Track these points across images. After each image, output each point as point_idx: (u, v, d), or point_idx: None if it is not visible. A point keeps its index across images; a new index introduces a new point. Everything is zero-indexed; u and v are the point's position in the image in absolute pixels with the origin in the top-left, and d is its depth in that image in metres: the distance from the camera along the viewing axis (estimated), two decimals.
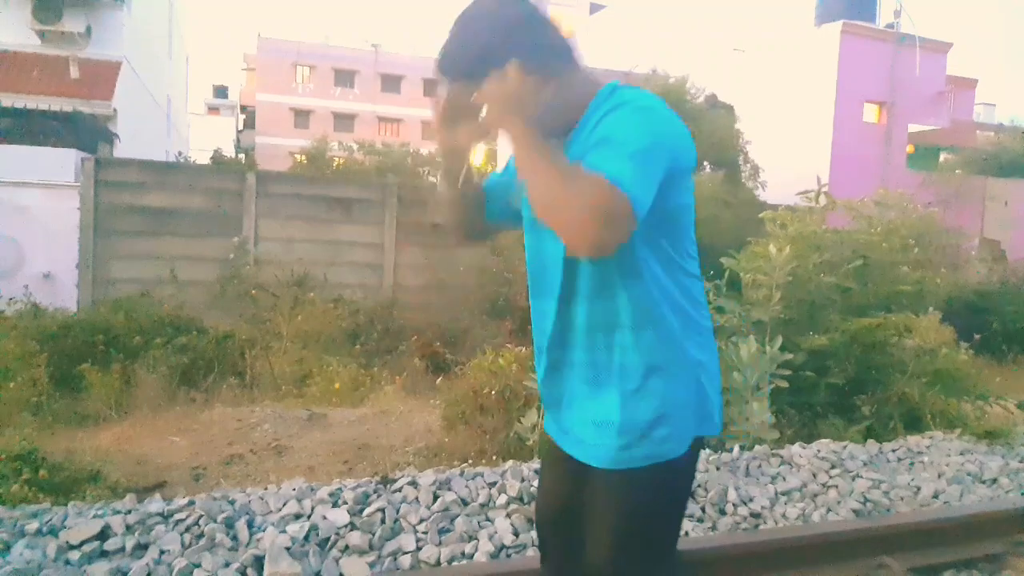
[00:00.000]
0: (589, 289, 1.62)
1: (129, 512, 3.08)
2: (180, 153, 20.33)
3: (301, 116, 41.84)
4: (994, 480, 4.30)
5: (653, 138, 1.44)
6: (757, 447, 4.39)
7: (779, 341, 4.90)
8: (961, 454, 4.70)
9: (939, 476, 4.29)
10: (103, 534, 2.90)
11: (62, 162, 11.15)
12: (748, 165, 12.89)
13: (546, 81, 1.58)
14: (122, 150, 16.02)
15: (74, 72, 15.74)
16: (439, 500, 3.35)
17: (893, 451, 4.66)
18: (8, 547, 2.82)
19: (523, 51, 1.54)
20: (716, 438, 4.76)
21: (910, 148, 23.13)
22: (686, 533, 3.35)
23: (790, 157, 17.71)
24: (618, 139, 1.42)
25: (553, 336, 1.72)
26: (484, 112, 1.56)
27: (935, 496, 4.00)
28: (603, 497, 1.68)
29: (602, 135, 1.47)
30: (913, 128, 22.51)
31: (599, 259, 1.48)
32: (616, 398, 1.61)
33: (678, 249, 1.63)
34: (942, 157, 25.92)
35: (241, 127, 46.69)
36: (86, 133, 15.15)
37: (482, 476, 3.65)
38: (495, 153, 24.01)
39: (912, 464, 4.50)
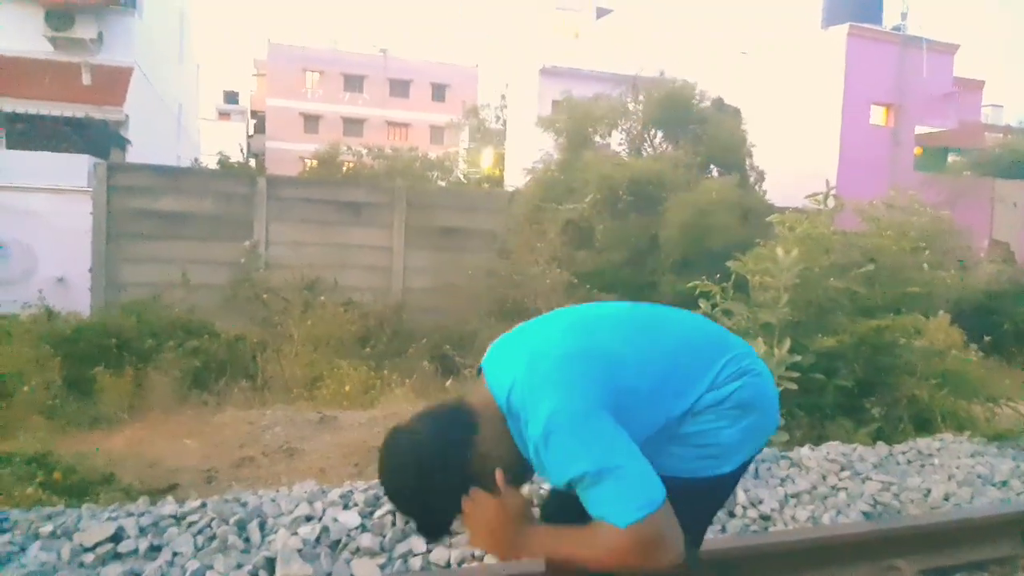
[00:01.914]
0: None
1: (142, 514, 3.11)
2: (196, 160, 20.43)
3: (311, 121, 41.96)
4: (1004, 482, 4.29)
5: (586, 443, 1.46)
6: (766, 450, 4.39)
7: (787, 343, 4.90)
8: (971, 456, 4.69)
9: (949, 478, 4.28)
10: (117, 536, 2.93)
11: (74, 167, 11.25)
12: (755, 170, 12.87)
13: (479, 472, 1.59)
14: (134, 155, 16.13)
15: (86, 78, 15.87)
16: None
17: (903, 453, 4.64)
18: (23, 549, 2.85)
19: (455, 477, 1.57)
20: None
21: (918, 150, 23.03)
22: None
23: (797, 160, 17.65)
24: (577, 478, 1.45)
25: None
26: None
27: (945, 498, 3.99)
28: None
29: (564, 482, 1.49)
30: (921, 130, 22.41)
31: None
32: None
33: (673, 419, 1.65)
34: (950, 159, 25.79)
35: (251, 132, 46.86)
36: (98, 138, 15.27)
37: None
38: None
39: (922, 466, 4.49)
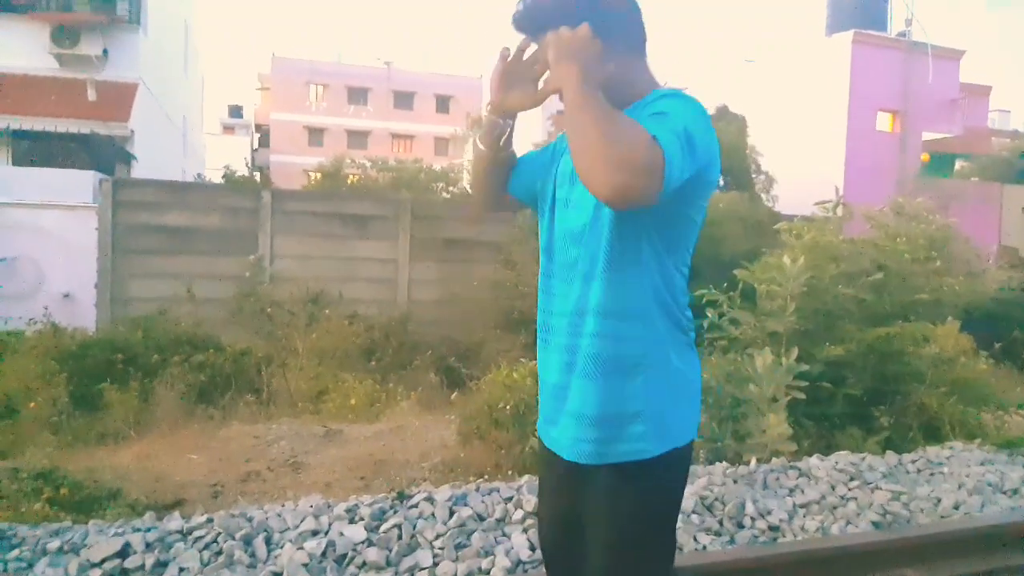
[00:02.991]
0: (585, 271, 1.64)
1: (149, 530, 3.11)
2: (198, 175, 20.53)
3: (315, 134, 42.13)
4: (1015, 491, 4.26)
5: (699, 133, 1.48)
6: (774, 459, 4.37)
7: (795, 352, 4.88)
8: (981, 464, 4.65)
9: (959, 487, 4.24)
10: (123, 552, 2.93)
11: (80, 183, 11.29)
12: (761, 176, 12.87)
13: (610, 56, 1.60)
14: (139, 170, 16.21)
15: (91, 95, 15.97)
16: (455, 515, 3.35)
17: (912, 462, 4.61)
18: (31, 565, 2.85)
19: (600, 19, 1.56)
20: (733, 451, 4.74)
21: (925, 156, 23.00)
22: (704, 547, 3.34)
23: (804, 167, 17.66)
24: (670, 117, 1.46)
25: (551, 317, 1.75)
26: (548, 57, 1.55)
27: (956, 507, 3.96)
28: (594, 499, 1.69)
29: (655, 111, 1.51)
30: (927, 136, 22.40)
31: (610, 229, 1.57)
32: (590, 389, 1.64)
33: (675, 258, 1.66)
34: (957, 164, 25.75)
35: (256, 146, 47.07)
36: (104, 154, 15.35)
37: (498, 491, 3.65)
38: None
39: (932, 475, 4.46)
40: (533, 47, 1.67)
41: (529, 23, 1.66)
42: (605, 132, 1.37)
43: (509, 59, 1.69)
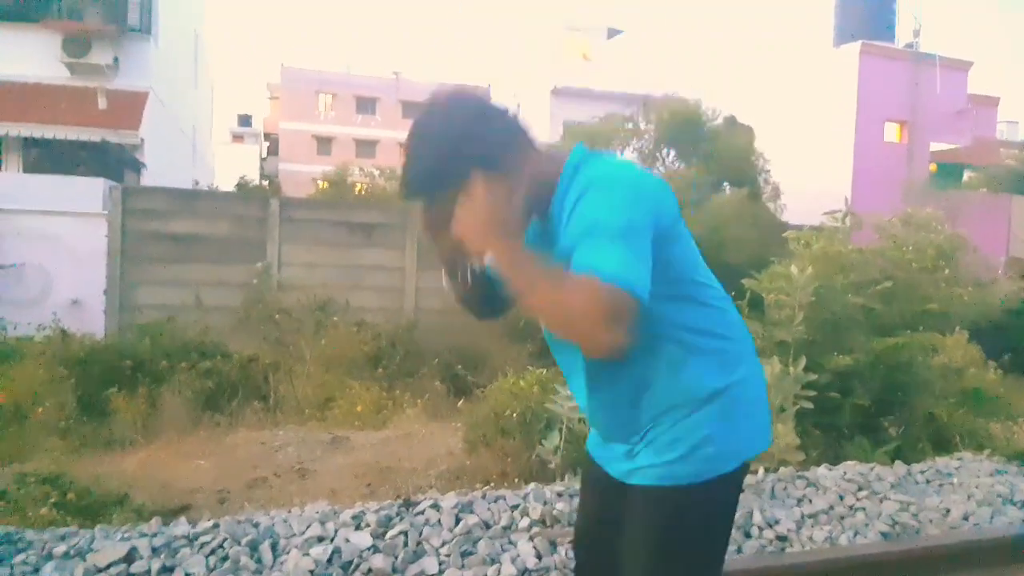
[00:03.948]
0: (608, 363, 1.61)
1: (155, 535, 3.11)
2: (202, 183, 20.62)
3: (324, 143, 42.32)
4: None
5: (630, 211, 1.43)
6: (782, 469, 4.34)
7: (803, 362, 4.86)
8: (991, 475, 4.62)
9: (969, 498, 4.22)
10: (129, 557, 2.93)
11: (90, 191, 11.38)
12: (769, 186, 12.87)
13: (512, 176, 1.55)
14: (149, 178, 16.30)
15: (102, 103, 16.07)
16: (461, 523, 3.34)
17: (921, 472, 4.58)
18: (37, 570, 2.85)
19: (481, 157, 1.51)
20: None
21: (932, 167, 22.95)
22: None
23: (811, 177, 17.64)
24: (598, 226, 1.41)
25: (581, 384, 1.75)
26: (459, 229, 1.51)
27: (965, 518, 3.93)
28: (638, 515, 1.68)
29: (582, 225, 1.44)
30: (936, 147, 22.36)
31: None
32: (633, 428, 1.67)
33: (687, 288, 1.65)
34: (965, 175, 25.68)
35: (265, 155, 47.30)
36: (113, 162, 15.45)
37: (504, 499, 3.64)
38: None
39: (941, 486, 4.43)
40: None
41: (418, 190, 1.62)
42: (558, 306, 1.36)
43: (424, 219, 1.65)
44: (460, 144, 1.52)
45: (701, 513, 1.65)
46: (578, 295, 1.32)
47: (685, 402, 1.61)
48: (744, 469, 1.71)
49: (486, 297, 1.82)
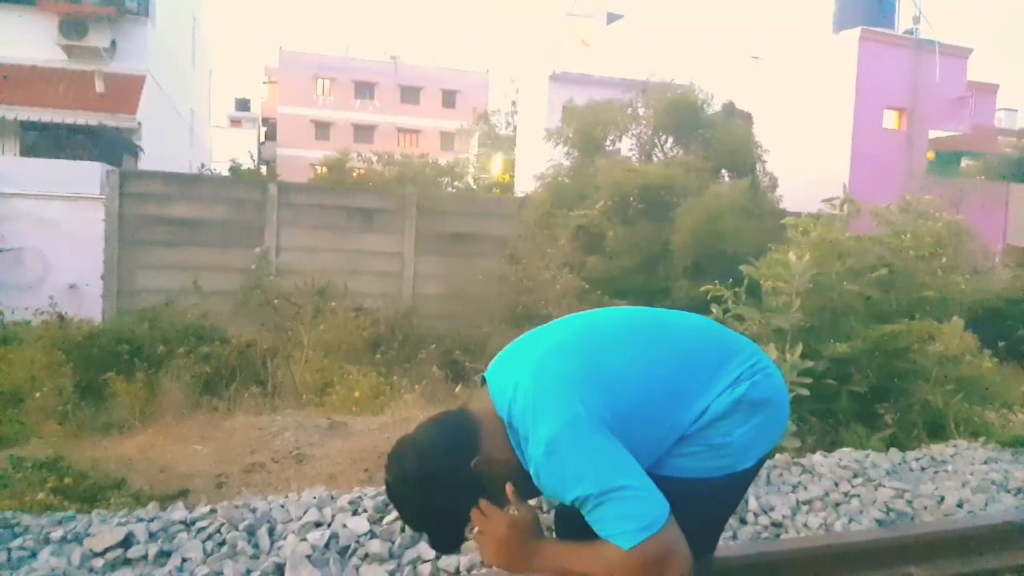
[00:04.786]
0: None
1: (152, 520, 3.11)
2: (202, 166, 20.56)
3: (322, 128, 42.17)
4: (1020, 489, 4.24)
5: (587, 462, 1.46)
6: (778, 456, 4.35)
7: (800, 349, 4.87)
8: (985, 463, 4.64)
9: (963, 485, 4.23)
10: (127, 541, 2.93)
11: (87, 175, 11.32)
12: (767, 175, 12.83)
13: (500, 477, 1.59)
14: (146, 162, 16.24)
15: (99, 86, 15.99)
16: None
17: (916, 460, 4.60)
18: (34, 554, 2.86)
19: (462, 488, 1.58)
20: None
21: (931, 154, 22.90)
22: None
23: (810, 164, 17.59)
24: (580, 498, 1.45)
25: None
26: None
27: (959, 505, 3.94)
28: None
29: (569, 501, 1.49)
30: (934, 134, 22.29)
31: None
32: None
33: (673, 424, 1.64)
34: (963, 163, 25.64)
35: (263, 139, 47.11)
36: (111, 146, 15.38)
37: None
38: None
39: (936, 473, 4.44)
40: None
41: (440, 548, 1.77)
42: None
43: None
44: (441, 502, 1.59)
45: (707, 504, 1.69)
46: (616, 568, 1.42)
47: (699, 427, 1.65)
48: (759, 464, 1.75)
49: None
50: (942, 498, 4.01)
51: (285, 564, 2.83)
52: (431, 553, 3.04)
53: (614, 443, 1.48)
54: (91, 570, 2.78)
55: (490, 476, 1.59)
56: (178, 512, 3.20)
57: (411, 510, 1.64)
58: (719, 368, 1.69)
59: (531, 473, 1.56)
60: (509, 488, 1.59)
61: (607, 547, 1.42)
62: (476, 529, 1.59)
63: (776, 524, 3.57)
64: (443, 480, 1.57)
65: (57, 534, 2.97)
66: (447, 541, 1.69)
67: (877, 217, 7.80)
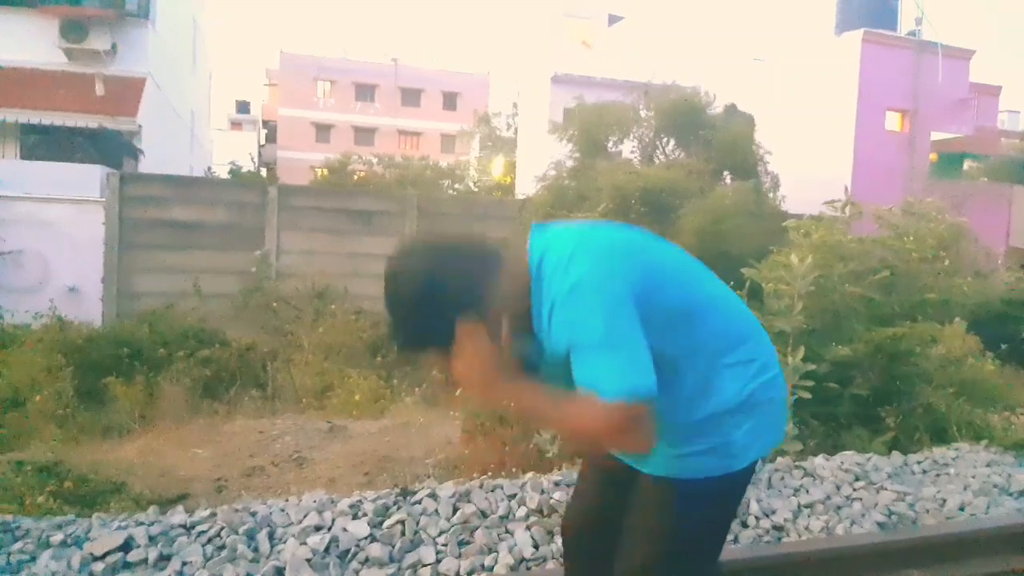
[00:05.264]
0: None
1: (152, 524, 3.11)
2: (209, 169, 20.54)
3: (322, 130, 42.17)
4: (1022, 492, 4.23)
5: (603, 316, 1.45)
6: (780, 459, 4.34)
7: (801, 351, 4.85)
8: (988, 466, 4.63)
9: (965, 488, 4.22)
10: (126, 545, 2.93)
11: (88, 178, 11.32)
12: (768, 176, 12.81)
13: (492, 306, 1.57)
14: (146, 165, 16.23)
15: (100, 89, 15.99)
16: (459, 512, 3.34)
17: (918, 463, 4.59)
18: (33, 558, 2.85)
19: (458, 303, 1.53)
20: None
21: (933, 156, 22.89)
22: None
23: (812, 166, 17.59)
24: (581, 343, 1.44)
25: None
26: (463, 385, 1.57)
27: (961, 508, 3.93)
28: (645, 503, 1.72)
29: (567, 341, 1.48)
30: (937, 136, 22.28)
31: None
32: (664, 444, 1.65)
33: (691, 317, 1.64)
34: (966, 165, 25.62)
35: (263, 142, 47.14)
36: (111, 149, 15.37)
37: (502, 488, 3.64)
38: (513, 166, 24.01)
39: (938, 476, 4.43)
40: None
41: (412, 352, 1.67)
42: (578, 430, 1.44)
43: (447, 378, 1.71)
44: (434, 302, 1.54)
45: (707, 505, 1.68)
46: (587, 418, 1.40)
47: (708, 415, 1.65)
48: (753, 466, 1.74)
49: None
50: (944, 501, 4.00)
51: (285, 568, 2.82)
52: (431, 557, 3.03)
53: (633, 313, 1.47)
54: (91, 574, 2.78)
55: (492, 312, 1.56)
56: (178, 516, 3.20)
57: (402, 298, 1.59)
58: (744, 336, 1.72)
59: (543, 316, 1.54)
60: (506, 324, 1.57)
61: (585, 399, 1.40)
62: (459, 340, 1.52)
63: (778, 527, 3.56)
64: (450, 286, 1.54)
65: (57, 538, 2.97)
66: (414, 338, 1.62)
67: (879, 219, 7.78)
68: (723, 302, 1.74)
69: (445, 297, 1.53)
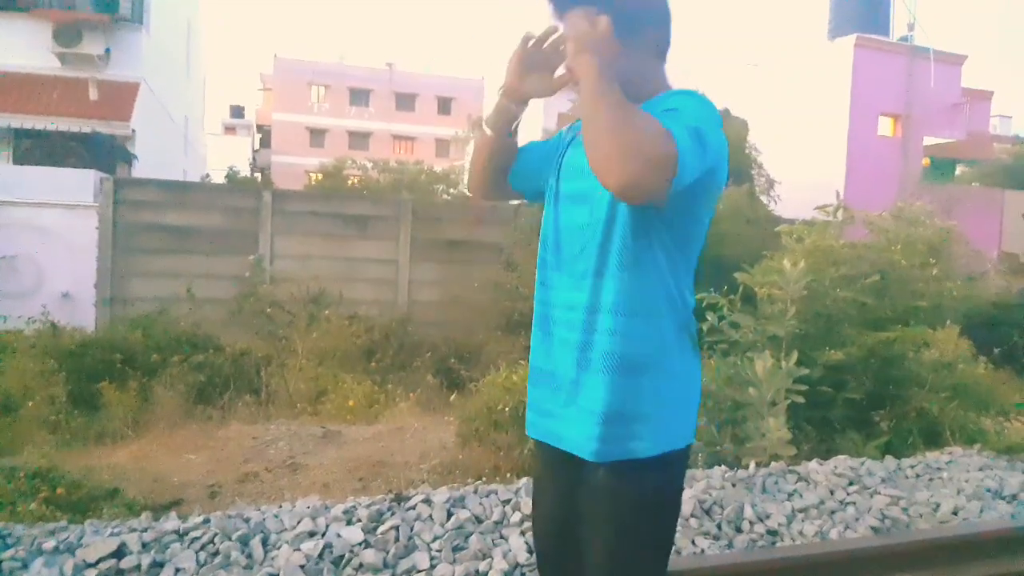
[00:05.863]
0: (595, 267, 1.63)
1: (145, 530, 3.09)
2: (207, 175, 20.51)
3: (316, 135, 42.17)
4: (1014, 496, 4.24)
5: (711, 132, 1.49)
6: (773, 463, 4.35)
7: (795, 356, 4.86)
8: (981, 470, 4.64)
9: (958, 492, 4.23)
10: (119, 552, 2.91)
11: (81, 182, 11.30)
12: (763, 179, 12.86)
13: (630, 54, 1.60)
14: (140, 170, 16.21)
15: (93, 94, 15.98)
16: (453, 518, 3.34)
17: (912, 467, 4.60)
18: (26, 565, 2.84)
19: (630, 15, 1.59)
20: (732, 455, 4.73)
21: (925, 161, 23.00)
22: (702, 551, 3.33)
23: (805, 171, 17.65)
24: (683, 114, 1.48)
25: (554, 310, 1.74)
26: (568, 48, 1.55)
27: (954, 513, 3.94)
28: (592, 498, 1.68)
29: (668, 107, 1.52)
30: (929, 141, 22.40)
31: (622, 225, 1.56)
32: (602, 385, 1.62)
33: (685, 257, 1.66)
34: (958, 170, 25.75)
35: (257, 146, 47.11)
36: (105, 153, 15.36)
37: (496, 493, 3.64)
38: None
39: (931, 480, 4.45)
40: (557, 34, 1.66)
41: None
42: (619, 123, 1.38)
43: (530, 44, 1.69)
44: None
45: (658, 487, 1.66)
46: (643, 122, 1.39)
47: (647, 357, 1.61)
48: (688, 452, 1.72)
49: (501, 167, 1.90)
50: (937, 505, 4.01)
51: (279, 574, 2.81)
52: (426, 563, 3.03)
53: (709, 160, 1.50)
54: None
55: (631, 48, 1.60)
56: (171, 522, 3.19)
57: None
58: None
59: (654, 110, 1.54)
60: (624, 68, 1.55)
61: (655, 121, 1.41)
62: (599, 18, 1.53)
63: (772, 532, 3.56)
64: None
65: (49, 544, 2.95)
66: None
67: (870, 225, 7.81)
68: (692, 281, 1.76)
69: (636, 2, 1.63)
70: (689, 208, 1.58)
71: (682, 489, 1.78)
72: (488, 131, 1.84)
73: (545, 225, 1.79)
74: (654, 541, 1.69)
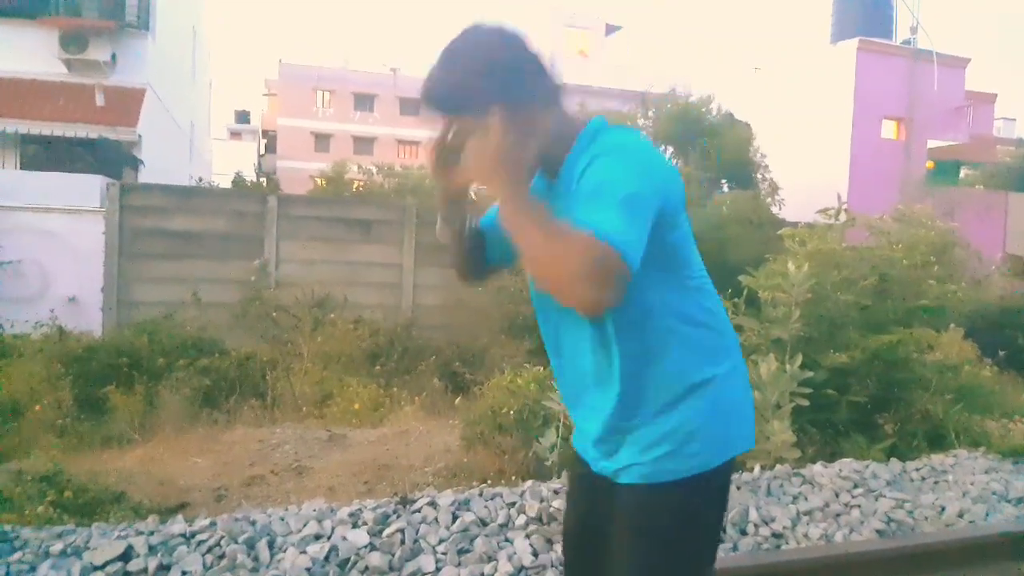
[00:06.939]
0: (596, 342, 1.62)
1: (152, 533, 3.11)
2: (200, 179, 20.59)
3: (321, 140, 42.23)
4: (1020, 499, 4.24)
5: (640, 182, 1.43)
6: (778, 466, 4.36)
7: (799, 359, 4.87)
8: (986, 472, 4.64)
9: (964, 495, 4.23)
10: (126, 555, 2.93)
11: (87, 188, 11.34)
12: (766, 183, 12.87)
13: (531, 121, 1.56)
14: (146, 175, 16.27)
15: (99, 99, 16.03)
16: (458, 521, 3.35)
17: (917, 470, 4.60)
18: (33, 568, 2.86)
19: (508, 92, 1.52)
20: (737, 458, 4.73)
21: (930, 164, 22.96)
22: None
23: (808, 174, 17.65)
24: (605, 188, 1.40)
25: (565, 358, 1.74)
26: (469, 162, 1.53)
27: (960, 515, 3.94)
28: (626, 514, 1.67)
29: (589, 186, 1.45)
30: (932, 144, 22.37)
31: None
32: (626, 417, 1.63)
33: (683, 276, 1.65)
34: (962, 172, 25.70)
35: (263, 151, 47.20)
36: (111, 159, 15.42)
37: (501, 496, 3.65)
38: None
39: (936, 483, 4.44)
40: (455, 127, 1.61)
41: (436, 105, 1.63)
42: (547, 254, 1.34)
43: (434, 148, 1.65)
44: (490, 68, 1.54)
45: (688, 510, 1.63)
46: (569, 245, 1.31)
47: (669, 394, 1.61)
48: (731, 465, 1.70)
49: (475, 254, 1.85)
50: (943, 508, 4.01)
51: None
52: (431, 566, 3.04)
53: (655, 206, 1.46)
54: None
55: (527, 122, 1.54)
56: (178, 525, 3.20)
57: (463, 48, 1.59)
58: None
59: (577, 169, 1.53)
60: (531, 143, 1.54)
61: (574, 228, 1.34)
62: (488, 121, 1.48)
63: (777, 535, 3.57)
64: (512, 67, 1.55)
65: (57, 548, 2.97)
66: (448, 92, 1.60)
67: (871, 228, 7.81)
68: (703, 281, 1.72)
69: (503, 73, 1.54)
70: (661, 245, 1.52)
71: (718, 508, 1.74)
72: (442, 232, 1.80)
73: (531, 290, 1.79)
74: (687, 558, 1.67)
